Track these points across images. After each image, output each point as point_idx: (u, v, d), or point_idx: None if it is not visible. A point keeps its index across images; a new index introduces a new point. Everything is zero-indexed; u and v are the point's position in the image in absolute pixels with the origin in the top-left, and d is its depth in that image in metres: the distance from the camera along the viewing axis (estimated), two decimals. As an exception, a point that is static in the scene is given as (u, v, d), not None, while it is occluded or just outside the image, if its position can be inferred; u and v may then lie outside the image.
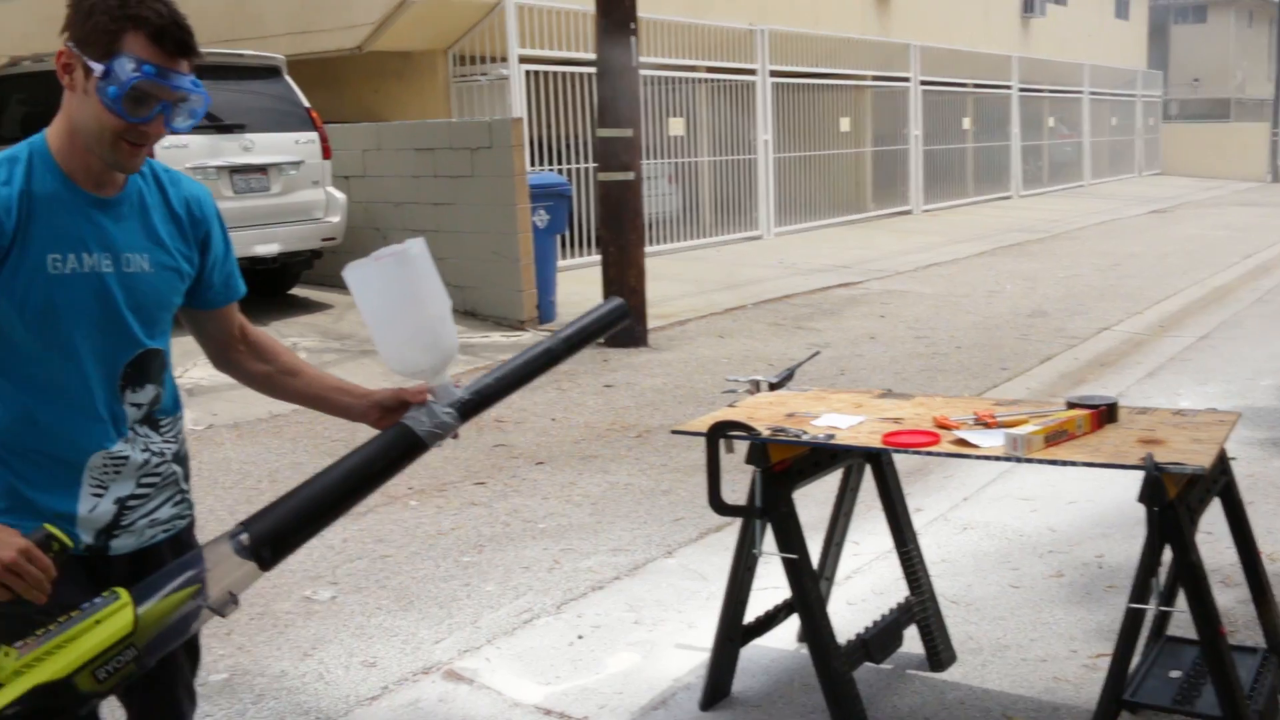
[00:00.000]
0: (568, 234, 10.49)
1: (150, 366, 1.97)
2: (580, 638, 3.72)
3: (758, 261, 12.31)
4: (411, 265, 2.02)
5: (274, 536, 1.88)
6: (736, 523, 4.36)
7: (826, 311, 9.45)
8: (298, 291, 9.35)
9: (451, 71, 12.11)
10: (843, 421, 3.07)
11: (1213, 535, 3.63)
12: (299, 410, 6.45)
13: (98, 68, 1.77)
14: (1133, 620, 2.68)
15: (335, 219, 8.72)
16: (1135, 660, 3.00)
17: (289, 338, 7.91)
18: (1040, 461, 2.68)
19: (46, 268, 1.81)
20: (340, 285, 9.74)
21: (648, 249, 12.02)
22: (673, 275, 10.98)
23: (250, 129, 8.25)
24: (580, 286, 9.41)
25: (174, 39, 1.79)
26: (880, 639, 3.26)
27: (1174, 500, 2.52)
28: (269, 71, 8.63)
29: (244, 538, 1.86)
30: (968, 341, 8.19)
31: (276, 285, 9.22)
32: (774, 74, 14.66)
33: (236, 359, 2.18)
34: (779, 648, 3.57)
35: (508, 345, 8.05)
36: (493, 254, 8.60)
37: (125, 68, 1.76)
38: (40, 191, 1.82)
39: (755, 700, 3.34)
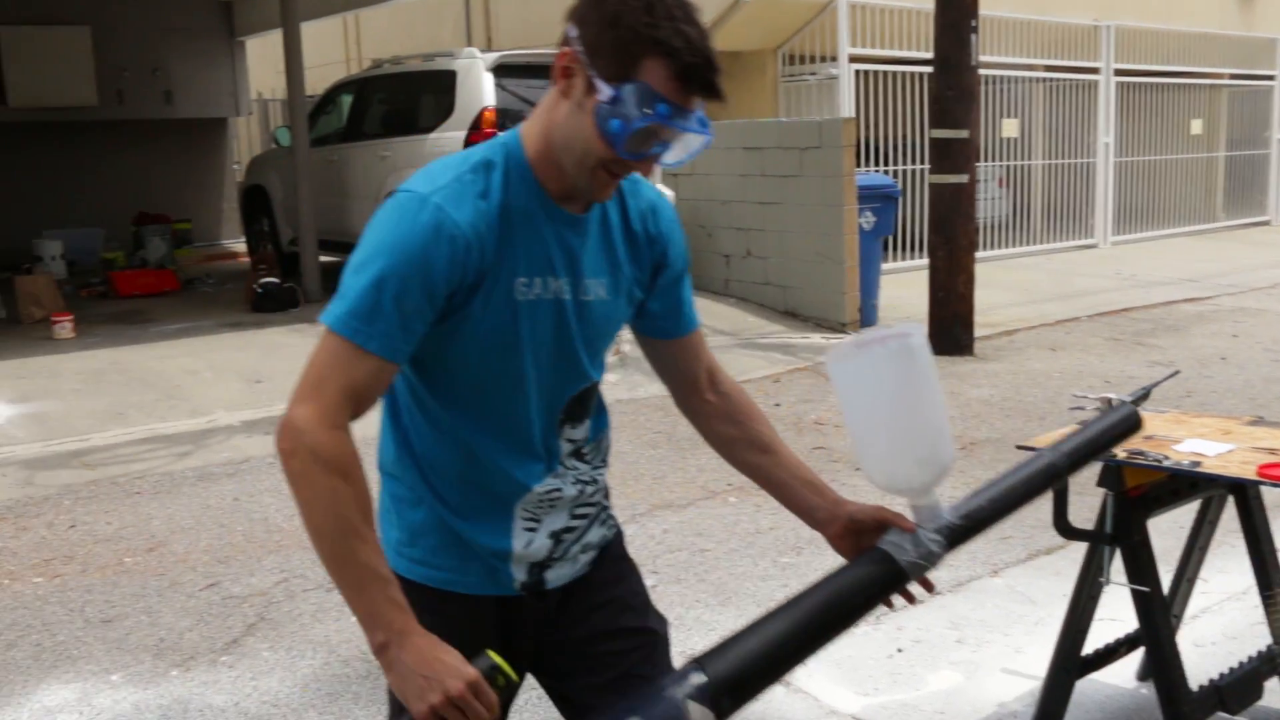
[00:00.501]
0: (892, 237, 10.31)
1: (590, 401, 1.80)
2: (900, 651, 3.64)
3: (1092, 271, 11.65)
4: (911, 359, 1.69)
5: (736, 682, 1.58)
6: (1068, 546, 4.15)
7: (1170, 328, 8.82)
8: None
9: (781, 70, 12.14)
10: (1209, 448, 2.85)
11: None
12: (622, 400, 6.66)
13: (605, 90, 1.54)
14: None
15: (664, 216, 8.92)
16: None
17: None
18: None
19: (513, 292, 1.62)
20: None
21: (977, 254, 11.65)
22: (1001, 283, 10.56)
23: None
24: (903, 290, 9.22)
25: (701, 80, 1.56)
26: (1238, 687, 3.00)
27: None
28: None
29: (699, 679, 1.56)
30: (1336, 368, 7.43)
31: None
32: (1119, 72, 13.82)
33: (699, 408, 1.91)
34: (1116, 684, 3.36)
35: (828, 347, 7.99)
36: (817, 255, 8.56)
37: (636, 102, 1.53)
38: (516, 206, 1.62)
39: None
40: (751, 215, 9.11)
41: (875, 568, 1.71)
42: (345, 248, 9.78)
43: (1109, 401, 3.37)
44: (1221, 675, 3.05)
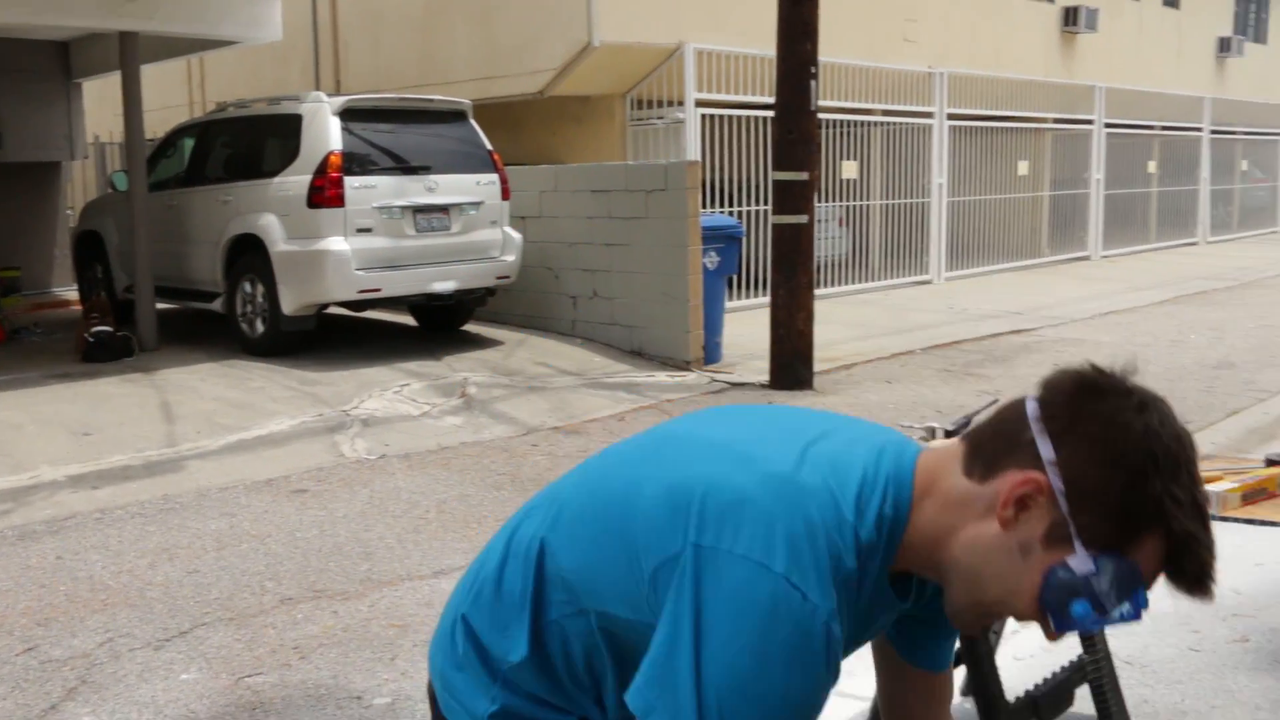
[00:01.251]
0: (736, 276, 10.54)
1: None
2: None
3: (927, 306, 12.11)
4: None
5: None
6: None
7: (998, 359, 9.22)
8: (470, 328, 9.64)
9: (629, 115, 12.34)
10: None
11: None
12: (467, 443, 6.64)
13: (1083, 562, 1.17)
14: (1327, 693, 2.53)
15: (510, 258, 8.97)
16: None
17: (461, 372, 8.15)
18: (1237, 521, 2.57)
19: None
20: (511, 322, 10.01)
21: (817, 292, 11.97)
22: (840, 319, 10.89)
23: (435, 170, 8.58)
24: (747, 329, 9.42)
25: (1204, 584, 1.20)
26: (1051, 697, 3.15)
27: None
28: (455, 115, 8.96)
29: None
30: (1150, 393, 7.86)
31: (451, 321, 9.53)
32: (951, 116, 14.45)
33: None
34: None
35: (672, 385, 8.11)
36: (662, 294, 8.70)
37: (1114, 584, 1.17)
38: (866, 585, 1.25)
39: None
40: (599, 257, 9.21)
41: None
42: (183, 294, 9.54)
43: (933, 430, 3.53)
44: (1036, 686, 3.20)
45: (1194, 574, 1.17)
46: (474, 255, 8.77)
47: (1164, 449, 1.15)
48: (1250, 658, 3.81)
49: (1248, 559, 4.72)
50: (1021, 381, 8.26)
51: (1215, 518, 2.54)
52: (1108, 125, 17.82)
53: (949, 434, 3.41)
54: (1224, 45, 22.54)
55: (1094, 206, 17.68)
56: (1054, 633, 1.22)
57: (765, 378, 8.03)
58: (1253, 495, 2.59)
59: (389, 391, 7.61)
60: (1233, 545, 4.94)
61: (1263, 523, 2.52)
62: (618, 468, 1.33)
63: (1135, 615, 1.19)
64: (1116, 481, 1.14)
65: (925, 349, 9.59)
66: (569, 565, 1.29)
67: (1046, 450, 1.16)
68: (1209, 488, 2.57)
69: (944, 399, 7.62)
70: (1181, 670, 3.75)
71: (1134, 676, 3.69)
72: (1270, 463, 2.76)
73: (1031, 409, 1.20)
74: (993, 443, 1.21)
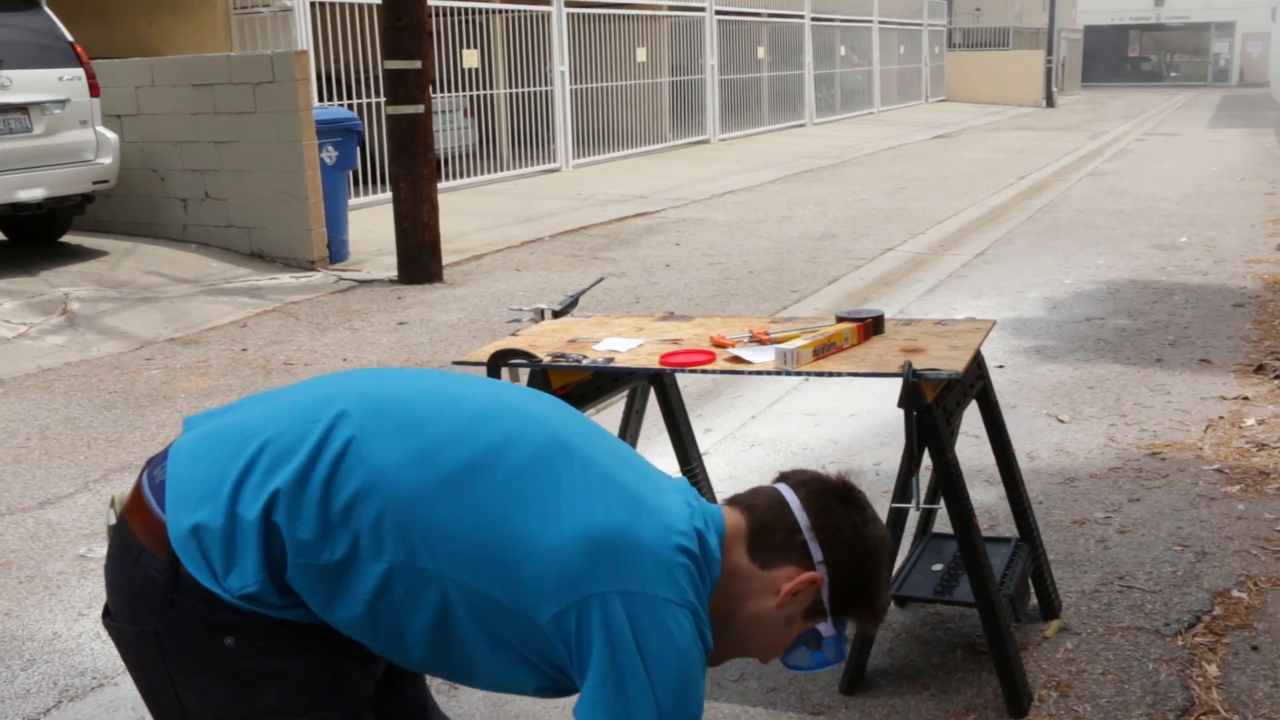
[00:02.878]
0: (360, 171, 10.22)
1: None
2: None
3: (556, 194, 12.28)
4: None
5: None
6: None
7: (623, 241, 9.52)
8: (70, 239, 8.84)
9: (232, 3, 11.55)
10: (623, 345, 3.11)
11: (979, 439, 3.84)
12: (71, 364, 6.14)
13: (828, 628, 1.59)
14: (895, 519, 2.83)
15: (107, 160, 8.25)
16: (901, 557, 3.18)
17: (60, 288, 7.49)
18: (809, 374, 2.78)
19: None
20: (117, 231, 9.23)
21: (445, 184, 11.85)
22: (470, 210, 10.85)
23: (6, 65, 7.70)
24: (374, 224, 9.21)
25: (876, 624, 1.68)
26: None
27: (930, 404, 2.66)
28: (25, 3, 8.05)
29: None
30: (760, 266, 8.39)
31: (46, 232, 8.70)
32: (570, 4, 14.53)
33: None
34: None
35: (297, 287, 7.82)
36: (279, 193, 8.31)
37: (838, 636, 1.60)
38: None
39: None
40: (207, 156, 8.65)
41: None
42: None
43: (541, 312, 3.59)
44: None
45: (877, 624, 1.66)
46: (63, 159, 7.99)
47: (879, 557, 1.60)
48: (844, 498, 4.20)
49: (844, 411, 5.18)
50: (645, 262, 8.58)
51: (789, 372, 2.74)
52: (718, 13, 18.53)
53: (556, 314, 3.48)
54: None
55: (710, 91, 18.43)
56: (789, 668, 1.64)
57: (393, 273, 7.90)
58: (823, 350, 2.81)
59: (-25, 314, 6.89)
60: (832, 399, 5.44)
61: (830, 374, 2.75)
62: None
63: (843, 657, 1.61)
64: (859, 577, 1.56)
65: (554, 236, 9.74)
66: (433, 528, 1.42)
67: (816, 553, 1.54)
68: (783, 346, 2.77)
69: (571, 283, 7.79)
70: (787, 516, 4.08)
71: (745, 526, 3.98)
72: (840, 320, 3.01)
73: (803, 519, 1.55)
74: (771, 538, 1.55)
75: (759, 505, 1.57)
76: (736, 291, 7.53)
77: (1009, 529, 3.70)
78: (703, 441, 4.78)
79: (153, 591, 1.41)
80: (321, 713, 1.46)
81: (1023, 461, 4.39)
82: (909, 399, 2.61)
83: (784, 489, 1.61)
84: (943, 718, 2.76)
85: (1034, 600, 3.21)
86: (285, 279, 8.00)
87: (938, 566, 3.07)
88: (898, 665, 3.02)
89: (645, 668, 1.37)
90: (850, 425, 4.94)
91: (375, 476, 1.42)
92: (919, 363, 2.70)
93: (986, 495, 4.07)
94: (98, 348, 6.42)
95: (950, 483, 2.71)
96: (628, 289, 7.61)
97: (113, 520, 1.53)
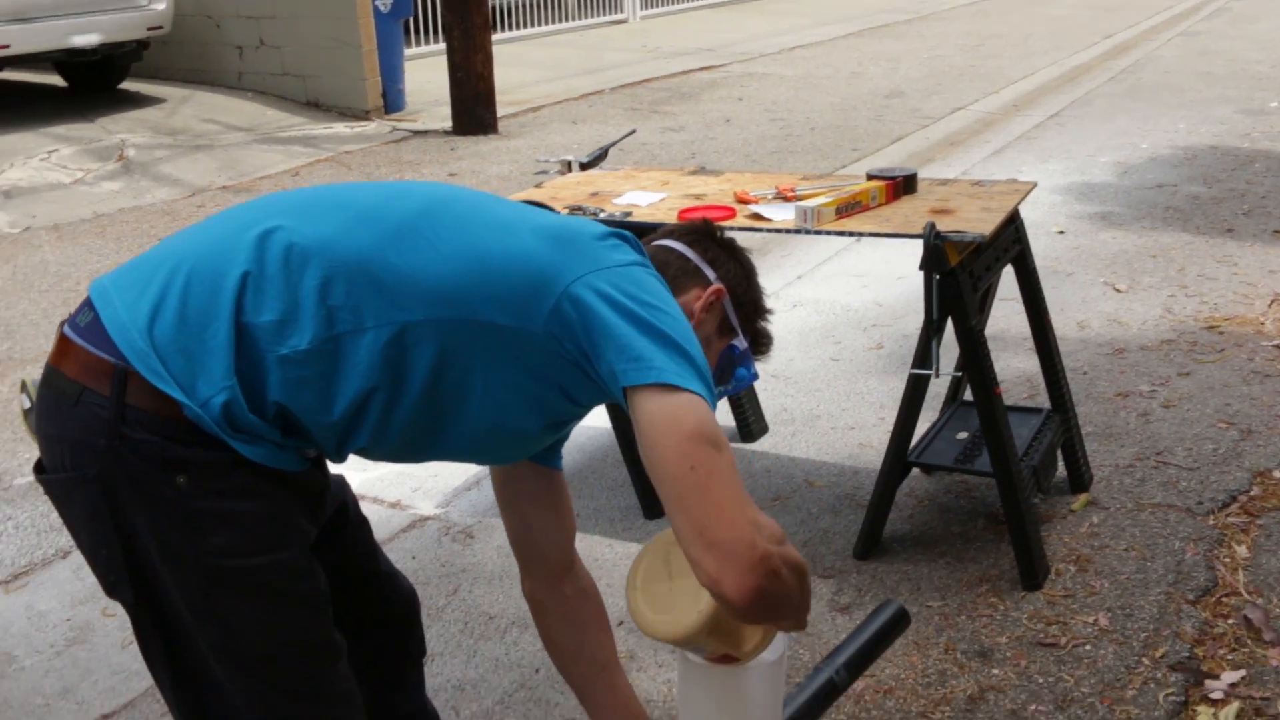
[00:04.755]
0: (419, 20, 10.03)
1: None
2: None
3: (621, 46, 11.97)
4: (776, 675, 1.62)
5: None
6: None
7: (685, 95, 9.27)
8: (128, 86, 8.82)
9: None
10: (644, 199, 3.01)
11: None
12: (125, 209, 6.19)
13: (741, 342, 1.66)
14: (914, 386, 2.75)
15: (161, 6, 8.16)
16: (926, 424, 3.10)
17: (117, 134, 7.51)
18: (829, 233, 2.68)
19: None
20: (174, 78, 9.18)
21: (507, 34, 11.61)
22: (531, 61, 10.63)
23: (59, -96, 7.59)
24: (432, 74, 9.05)
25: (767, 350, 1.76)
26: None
27: (955, 268, 2.55)
28: None
29: None
30: (823, 123, 8.13)
31: (103, 79, 8.69)
32: None
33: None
34: (598, 426, 3.60)
35: (351, 136, 7.75)
36: (333, 40, 8.18)
37: (749, 358, 1.68)
38: None
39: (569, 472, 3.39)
40: (261, 1, 8.52)
41: None
42: None
43: (569, 164, 3.50)
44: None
45: (767, 345, 1.73)
46: (117, 5, 7.92)
47: (757, 275, 1.71)
48: (882, 363, 4.12)
49: (892, 274, 5.05)
50: (705, 116, 8.37)
51: (809, 230, 2.64)
52: None
53: (583, 166, 3.39)
54: None
55: (786, -60, 17.70)
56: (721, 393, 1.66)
57: (448, 124, 7.79)
58: (847, 209, 2.70)
59: (34, 159, 6.93)
60: (882, 261, 5.30)
61: (851, 234, 2.64)
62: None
63: (756, 376, 1.69)
64: (752, 290, 1.67)
65: (615, 89, 9.52)
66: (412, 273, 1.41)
67: (710, 274, 1.63)
68: (804, 204, 2.66)
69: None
70: (821, 378, 4.01)
71: (777, 388, 3.92)
72: (870, 178, 2.88)
73: (689, 252, 1.64)
74: (668, 270, 1.59)
75: (647, 256, 1.59)
76: (796, 149, 7.33)
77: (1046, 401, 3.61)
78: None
79: (96, 429, 1.38)
80: (271, 555, 1.44)
81: (1072, 331, 4.26)
82: (930, 262, 2.50)
83: (658, 242, 1.70)
84: (955, 586, 2.72)
85: (1063, 473, 3.13)
86: (339, 128, 7.93)
87: (962, 435, 2.99)
88: (915, 532, 2.97)
89: (650, 310, 1.40)
90: (897, 288, 4.81)
91: (325, 250, 1.40)
92: (947, 224, 2.58)
93: (1030, 364, 3.95)
94: (152, 194, 6.44)
95: (972, 351, 2.61)
96: (685, 144, 7.44)
97: (26, 405, 1.50)
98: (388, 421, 1.44)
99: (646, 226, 2.92)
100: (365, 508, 3.27)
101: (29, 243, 5.66)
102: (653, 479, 1.32)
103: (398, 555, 3.03)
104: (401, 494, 3.37)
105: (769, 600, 1.28)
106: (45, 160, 6.89)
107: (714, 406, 1.38)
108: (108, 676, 2.59)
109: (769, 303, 1.73)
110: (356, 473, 3.47)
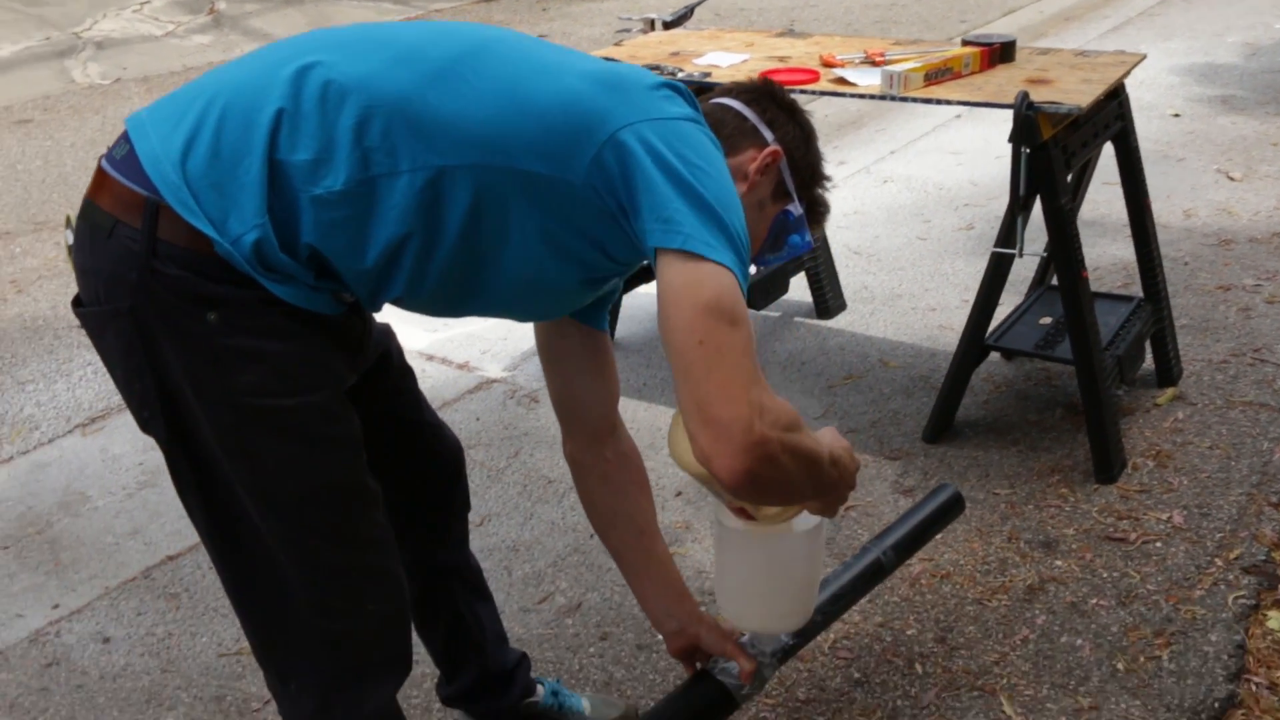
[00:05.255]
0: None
1: None
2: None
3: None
4: (818, 535, 1.60)
5: None
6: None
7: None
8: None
9: None
10: (725, 60, 2.89)
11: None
12: (214, 63, 6.18)
13: (797, 208, 1.55)
14: (996, 265, 2.63)
15: None
16: (1009, 307, 2.98)
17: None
18: (915, 100, 2.54)
19: None
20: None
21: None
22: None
23: None
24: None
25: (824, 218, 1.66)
26: (763, 286, 3.22)
27: (1047, 142, 2.40)
28: None
29: None
30: (931, -7, 7.78)
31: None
32: None
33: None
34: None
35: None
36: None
37: (805, 224, 1.57)
38: None
39: (637, 345, 3.34)
40: None
41: (708, 700, 1.67)
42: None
43: (651, 22, 3.37)
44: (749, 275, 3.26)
45: (823, 213, 1.62)
46: None
47: (816, 139, 1.60)
48: (971, 244, 3.96)
49: (990, 153, 4.84)
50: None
51: (894, 97, 2.50)
52: None
53: (667, 25, 3.26)
54: None
55: None
56: (768, 264, 1.63)
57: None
58: (936, 75, 2.55)
59: (127, 10, 6.95)
60: (981, 139, 5.08)
61: (939, 101, 2.49)
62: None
63: (810, 244, 1.59)
64: (811, 155, 1.56)
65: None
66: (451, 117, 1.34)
67: (768, 134, 1.52)
68: (891, 69, 2.51)
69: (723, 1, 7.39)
70: (906, 257, 3.88)
71: (859, 265, 3.81)
72: (965, 44, 2.71)
73: (747, 111, 1.53)
74: (724, 129, 1.49)
75: (702, 113, 1.49)
76: (900, 19, 7.02)
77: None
78: (834, 175, 4.54)
79: (129, 263, 1.35)
80: (302, 397, 1.41)
81: (1177, 219, 4.05)
82: (1020, 134, 2.35)
83: (715, 100, 1.58)
84: (1025, 475, 2.63)
85: (1152, 366, 2.99)
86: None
87: (1045, 320, 2.86)
88: (989, 418, 2.88)
89: (694, 170, 1.31)
90: (994, 168, 4.62)
91: (363, 89, 1.33)
92: (1042, 95, 2.42)
93: (1128, 252, 3.77)
94: (240, 48, 6.43)
95: (1060, 230, 2.47)
96: (784, 11, 7.18)
97: (70, 241, 1.48)
98: (423, 271, 1.40)
99: (711, 85, 2.82)
100: (433, 368, 3.29)
101: (119, 94, 5.70)
102: (663, 347, 1.27)
103: (462, 416, 3.03)
104: (470, 356, 3.36)
105: (761, 484, 1.24)
106: (137, 12, 6.91)
107: (744, 280, 1.29)
108: (175, 520, 2.65)
109: (830, 170, 1.64)
110: (427, 333, 3.47)
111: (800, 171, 1.55)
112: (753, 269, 3.33)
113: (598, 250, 1.40)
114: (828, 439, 1.47)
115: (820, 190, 1.60)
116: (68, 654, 2.26)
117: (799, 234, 1.56)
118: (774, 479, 1.26)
